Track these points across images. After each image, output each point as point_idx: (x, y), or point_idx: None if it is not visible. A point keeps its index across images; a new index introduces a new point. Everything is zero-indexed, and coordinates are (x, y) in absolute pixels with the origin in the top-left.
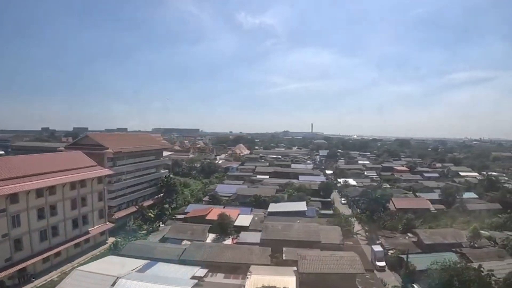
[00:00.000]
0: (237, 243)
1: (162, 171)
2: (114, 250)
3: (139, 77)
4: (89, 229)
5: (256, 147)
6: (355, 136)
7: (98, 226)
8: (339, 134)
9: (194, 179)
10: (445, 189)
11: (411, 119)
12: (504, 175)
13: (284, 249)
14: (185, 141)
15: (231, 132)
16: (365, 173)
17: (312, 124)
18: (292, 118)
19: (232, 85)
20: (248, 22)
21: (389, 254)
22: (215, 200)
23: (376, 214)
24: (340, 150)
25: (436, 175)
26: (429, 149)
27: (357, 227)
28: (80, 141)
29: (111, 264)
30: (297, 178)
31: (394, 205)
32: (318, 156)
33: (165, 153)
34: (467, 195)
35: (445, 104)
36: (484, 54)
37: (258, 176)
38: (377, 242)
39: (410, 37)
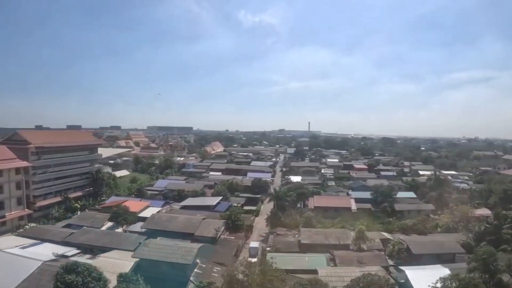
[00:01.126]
0: (124, 230)
1: (97, 165)
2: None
3: (136, 75)
4: (6, 214)
5: (235, 145)
6: (352, 135)
7: (15, 212)
8: (336, 132)
9: (150, 175)
10: (376, 189)
11: (410, 118)
12: (471, 174)
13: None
14: (168, 139)
15: (227, 130)
16: (322, 171)
17: (309, 122)
18: (291, 117)
19: (231, 84)
20: (248, 21)
21: (266, 251)
22: (140, 193)
23: (287, 212)
24: (315, 148)
25: (393, 173)
26: (411, 148)
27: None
28: (11, 137)
29: (6, 241)
30: (246, 175)
31: (313, 203)
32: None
33: (136, 151)
34: (406, 194)
35: (444, 104)
36: (483, 54)
37: (211, 173)
38: (261, 238)
39: (409, 37)
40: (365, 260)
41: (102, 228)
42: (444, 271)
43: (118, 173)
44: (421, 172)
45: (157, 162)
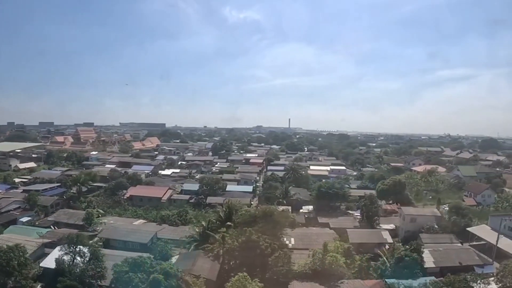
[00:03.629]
0: None
1: None
2: None
3: (116, 72)
4: None
5: (177, 140)
6: (320, 131)
7: None
8: (317, 129)
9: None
10: (201, 180)
11: (394, 115)
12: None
13: None
14: (126, 135)
15: (205, 126)
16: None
17: (289, 119)
18: (273, 114)
19: (214, 81)
20: (233, 17)
21: None
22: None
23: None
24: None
25: (283, 168)
26: (356, 144)
27: None
28: None
29: None
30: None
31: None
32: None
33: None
34: (241, 188)
35: (427, 101)
36: (466, 53)
37: (107, 166)
38: None
39: (393, 35)
40: None
41: None
42: None
43: (22, 165)
44: (313, 167)
45: (65, 155)
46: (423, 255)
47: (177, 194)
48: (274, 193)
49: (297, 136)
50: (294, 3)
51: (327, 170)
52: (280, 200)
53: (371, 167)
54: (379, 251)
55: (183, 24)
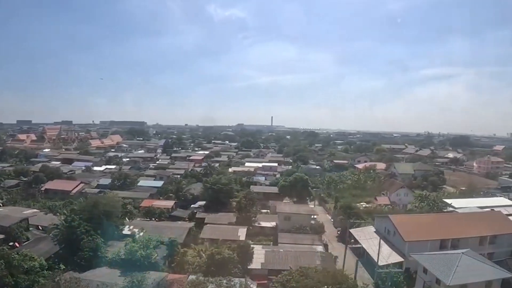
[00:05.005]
0: None
1: None
2: None
3: (98, 70)
4: None
5: (140, 138)
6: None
7: None
8: (299, 127)
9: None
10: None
11: (374, 114)
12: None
13: None
14: (92, 133)
15: (186, 124)
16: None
17: (272, 117)
18: (256, 112)
19: (196, 79)
20: (218, 15)
21: None
22: None
23: None
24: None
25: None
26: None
27: None
28: None
29: None
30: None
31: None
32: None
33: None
34: (151, 183)
35: (410, 99)
36: (449, 52)
37: (52, 162)
38: None
39: (376, 34)
40: None
41: None
42: None
43: None
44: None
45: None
46: (254, 255)
47: (92, 188)
48: (168, 187)
49: (269, 134)
50: (279, 1)
51: (258, 167)
52: (170, 195)
53: (313, 164)
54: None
55: (167, 21)
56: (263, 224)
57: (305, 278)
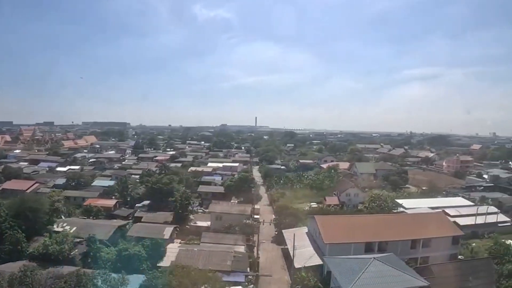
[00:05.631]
0: None
1: None
2: None
3: (81, 70)
4: None
5: (115, 139)
6: (285, 129)
7: None
8: (284, 127)
9: None
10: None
11: (357, 114)
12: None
13: None
14: (68, 134)
15: (170, 125)
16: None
17: (256, 117)
18: (241, 112)
19: (181, 79)
20: (203, 15)
21: None
22: None
23: None
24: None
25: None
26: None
27: None
28: None
29: None
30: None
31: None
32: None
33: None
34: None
35: (395, 99)
36: (432, 52)
37: (20, 163)
38: None
39: (358, 34)
40: None
41: None
42: None
43: None
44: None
45: None
46: (167, 253)
47: (48, 187)
48: (115, 187)
49: (249, 134)
50: (264, 1)
51: (218, 167)
52: (115, 194)
53: (278, 164)
54: None
55: (152, 20)
56: (199, 223)
57: (185, 275)
